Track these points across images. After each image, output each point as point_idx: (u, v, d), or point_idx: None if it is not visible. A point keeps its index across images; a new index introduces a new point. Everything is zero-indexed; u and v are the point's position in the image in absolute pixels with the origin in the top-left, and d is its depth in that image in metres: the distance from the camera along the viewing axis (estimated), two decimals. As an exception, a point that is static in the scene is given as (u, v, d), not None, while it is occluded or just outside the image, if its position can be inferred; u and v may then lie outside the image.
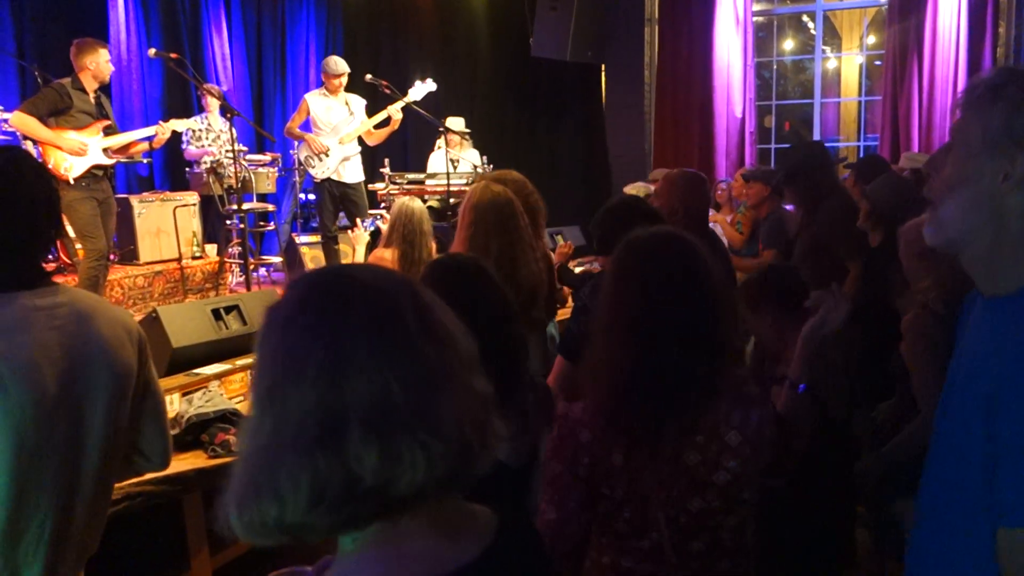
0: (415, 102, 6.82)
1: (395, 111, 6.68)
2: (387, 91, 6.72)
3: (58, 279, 6.20)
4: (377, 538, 0.89)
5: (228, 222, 7.26)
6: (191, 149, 7.70)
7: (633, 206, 3.12)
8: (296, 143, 7.82)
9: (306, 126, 6.98)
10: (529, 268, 2.97)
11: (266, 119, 10.21)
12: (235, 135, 6.21)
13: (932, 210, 1.25)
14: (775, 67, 9.95)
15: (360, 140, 7.05)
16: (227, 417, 3.00)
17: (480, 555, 0.94)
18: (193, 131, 7.62)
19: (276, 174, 8.22)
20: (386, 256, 4.03)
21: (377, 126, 6.95)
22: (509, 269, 2.85)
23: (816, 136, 9.25)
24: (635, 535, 1.69)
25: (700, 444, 1.65)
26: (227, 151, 7.02)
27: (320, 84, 7.03)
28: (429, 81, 6.95)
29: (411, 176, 7.74)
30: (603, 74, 9.37)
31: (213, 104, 7.68)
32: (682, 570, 1.68)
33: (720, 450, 1.64)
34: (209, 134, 7.69)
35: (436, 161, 8.05)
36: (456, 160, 7.52)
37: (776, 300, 2.59)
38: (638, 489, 1.66)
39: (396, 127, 6.83)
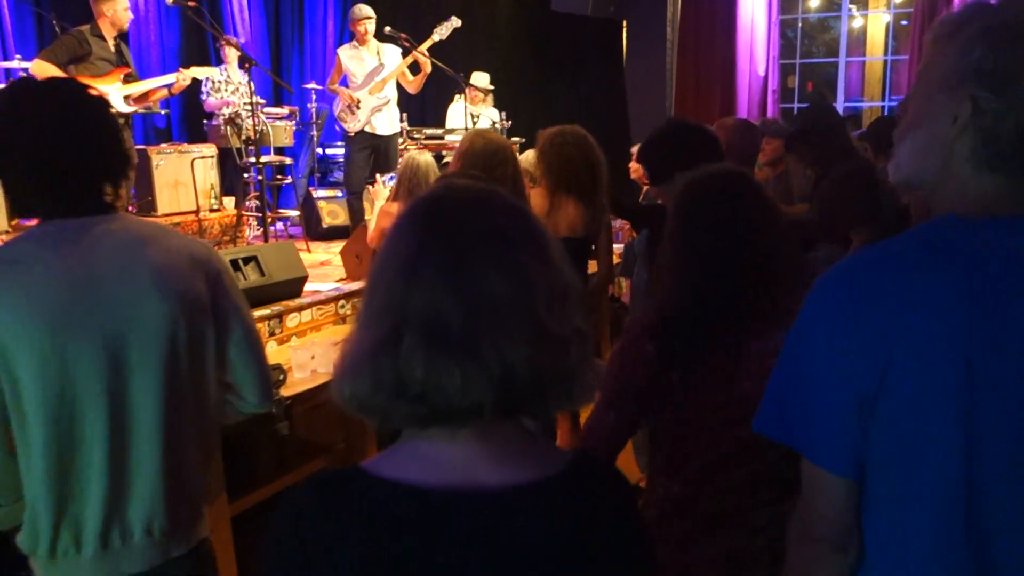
0: (439, 41, 6.72)
1: (422, 53, 6.57)
2: (406, 43, 6.64)
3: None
4: (428, 437, 0.94)
5: (246, 175, 7.25)
6: (211, 100, 7.67)
7: (688, 129, 3.02)
8: (313, 98, 7.77)
9: (344, 83, 6.90)
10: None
11: (283, 72, 10.15)
12: (253, 87, 6.17)
13: (895, 148, 1.23)
14: (800, 25, 9.78)
15: (401, 90, 6.94)
16: (245, 366, 3.01)
17: (541, 480, 0.95)
18: (213, 82, 7.58)
19: (294, 128, 8.18)
20: (392, 211, 3.98)
21: (412, 72, 6.83)
22: None
23: (840, 96, 9.11)
24: (683, 459, 1.71)
25: (751, 372, 1.67)
26: (246, 103, 6.98)
27: (349, 37, 6.94)
28: (453, 19, 6.80)
29: (429, 131, 7.68)
30: (624, 30, 9.24)
31: (232, 55, 7.62)
32: (728, 496, 1.71)
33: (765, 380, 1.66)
34: (228, 86, 7.65)
35: (454, 115, 7.99)
36: (476, 116, 7.45)
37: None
38: (688, 411, 1.69)
39: (428, 71, 6.72)
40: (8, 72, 6.97)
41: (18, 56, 6.97)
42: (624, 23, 9.19)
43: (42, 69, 5.30)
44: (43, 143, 1.58)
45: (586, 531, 0.95)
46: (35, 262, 1.56)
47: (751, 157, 3.64)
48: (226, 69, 7.71)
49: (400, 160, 7.37)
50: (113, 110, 1.69)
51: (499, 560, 0.91)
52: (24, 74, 6.24)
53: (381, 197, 4.66)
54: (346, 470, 0.96)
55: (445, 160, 6.82)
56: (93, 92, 1.68)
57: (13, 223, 5.17)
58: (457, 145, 3.31)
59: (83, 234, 1.61)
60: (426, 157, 4.11)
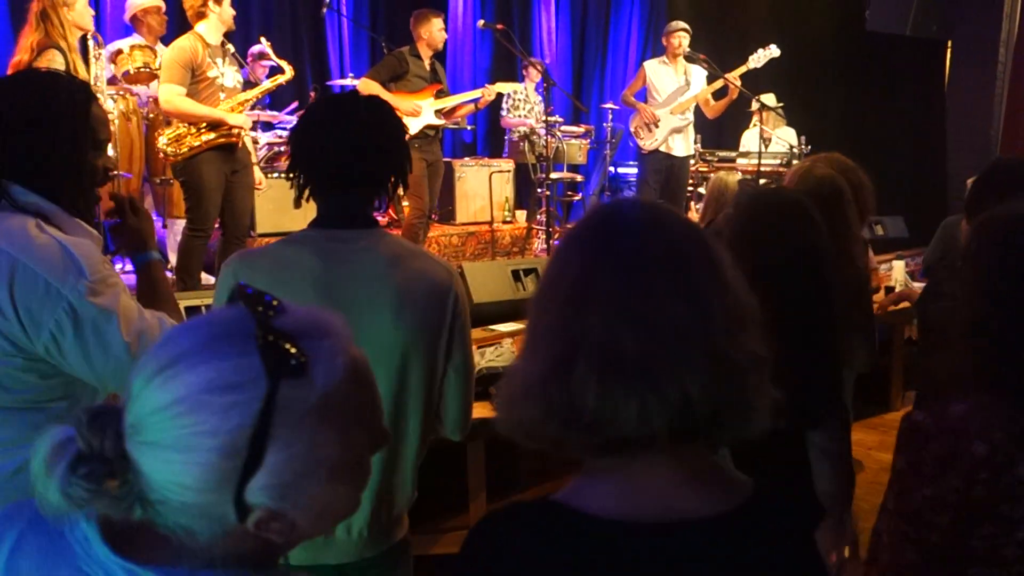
0: (754, 70, 6.58)
1: (733, 81, 6.44)
2: (705, 66, 6.57)
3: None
4: (613, 468, 0.90)
5: (538, 190, 7.53)
6: (508, 118, 8.07)
7: (1010, 166, 2.62)
8: (610, 118, 7.87)
9: (642, 96, 6.96)
10: (855, 265, 2.72)
11: (583, 91, 10.44)
12: (544, 106, 6.39)
13: None
14: None
15: (700, 113, 6.90)
16: (515, 373, 3.12)
17: (731, 511, 0.90)
18: (512, 100, 7.97)
19: (588, 146, 8.38)
20: None
21: (716, 96, 6.75)
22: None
23: None
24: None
25: None
26: (542, 121, 7.27)
27: (651, 57, 6.97)
28: (772, 47, 6.61)
29: (722, 154, 7.54)
30: (948, 51, 8.49)
31: (534, 76, 7.97)
32: None
33: None
34: (525, 104, 8.01)
35: (749, 139, 7.78)
36: (768, 138, 7.20)
37: None
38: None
39: (735, 96, 6.60)
40: (343, 88, 7.79)
41: (351, 74, 7.78)
42: (948, 43, 8.44)
43: (367, 87, 5.85)
44: (333, 153, 1.70)
45: (773, 558, 0.91)
46: (301, 268, 1.69)
47: None
48: (525, 88, 8.08)
49: (708, 182, 7.30)
50: (409, 131, 1.78)
51: None
52: (354, 89, 6.94)
53: None
54: (540, 502, 0.92)
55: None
56: (369, 104, 1.79)
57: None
58: (753, 167, 3.12)
59: (343, 249, 1.70)
60: (736, 177, 4.00)
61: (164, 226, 5.85)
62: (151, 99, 5.47)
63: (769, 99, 7.60)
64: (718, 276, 0.90)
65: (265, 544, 0.83)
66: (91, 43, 4.85)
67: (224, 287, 1.69)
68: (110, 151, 4.41)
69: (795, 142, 7.26)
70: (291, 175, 1.76)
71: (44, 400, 1.60)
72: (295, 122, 1.79)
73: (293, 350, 0.80)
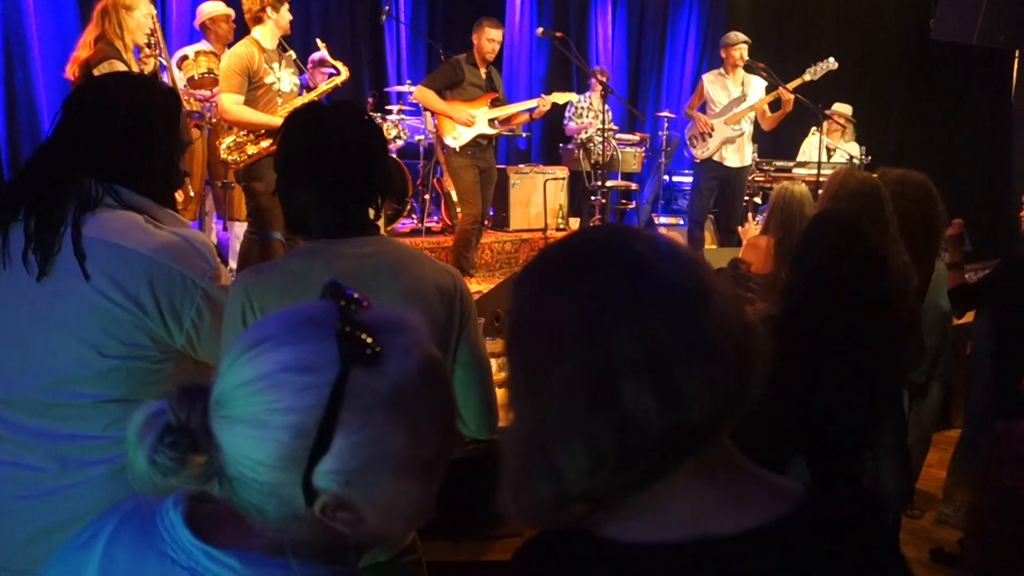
0: (809, 81, 6.50)
1: (786, 92, 6.37)
2: (764, 75, 6.50)
3: (439, 238, 6.86)
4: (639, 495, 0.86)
5: (592, 197, 7.52)
6: (571, 125, 8.08)
7: None
8: (666, 126, 7.83)
9: (702, 109, 6.90)
10: (893, 263, 2.72)
11: (639, 99, 10.40)
12: (610, 115, 6.36)
13: None
14: None
15: (756, 125, 6.83)
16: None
17: (774, 521, 0.84)
18: (576, 108, 7.97)
19: (643, 154, 8.34)
20: (760, 243, 3.82)
21: (772, 108, 6.68)
22: None
23: None
24: None
25: None
26: (599, 129, 7.26)
27: (707, 68, 6.92)
28: (830, 60, 6.53)
29: (779, 163, 7.45)
30: (1016, 61, 8.29)
31: (597, 85, 7.98)
32: None
33: None
34: (589, 112, 8.01)
35: (808, 149, 7.68)
36: (832, 150, 7.09)
37: None
38: None
39: (789, 109, 6.51)
40: (400, 95, 7.87)
41: (408, 81, 7.85)
42: (1016, 53, 8.24)
43: (422, 94, 5.90)
44: (327, 160, 1.65)
45: (831, 567, 0.84)
46: (312, 279, 1.60)
47: None
48: (589, 96, 8.07)
49: (755, 192, 7.23)
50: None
51: None
52: (411, 97, 7.00)
53: (751, 235, 4.52)
54: (572, 533, 0.87)
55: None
56: (350, 110, 1.75)
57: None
58: (811, 177, 3.12)
59: (351, 256, 1.67)
60: (801, 188, 3.94)
61: (225, 228, 5.96)
62: (214, 104, 5.58)
63: (845, 109, 7.47)
64: (708, 269, 0.88)
65: (336, 537, 0.85)
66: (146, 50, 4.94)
67: (235, 304, 1.62)
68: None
69: (856, 153, 7.15)
70: (283, 190, 1.71)
71: None
72: (280, 139, 1.75)
73: (368, 340, 0.84)
